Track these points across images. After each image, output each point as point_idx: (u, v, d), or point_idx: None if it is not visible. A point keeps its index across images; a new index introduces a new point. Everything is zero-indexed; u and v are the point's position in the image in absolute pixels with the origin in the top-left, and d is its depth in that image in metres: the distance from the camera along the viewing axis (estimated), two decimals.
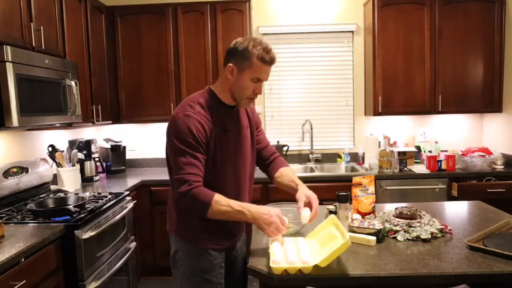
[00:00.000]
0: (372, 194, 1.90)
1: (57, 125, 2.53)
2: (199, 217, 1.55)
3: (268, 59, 1.52)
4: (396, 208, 1.86)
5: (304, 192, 1.66)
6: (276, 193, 3.15)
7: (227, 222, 1.61)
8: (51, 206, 2.29)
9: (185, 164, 1.48)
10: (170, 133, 1.54)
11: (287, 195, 1.83)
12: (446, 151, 3.62)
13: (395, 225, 1.74)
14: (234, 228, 1.71)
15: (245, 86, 1.55)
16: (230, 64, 1.55)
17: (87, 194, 2.57)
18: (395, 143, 3.75)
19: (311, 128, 3.86)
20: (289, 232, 1.74)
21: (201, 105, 1.56)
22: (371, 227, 1.64)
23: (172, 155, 1.53)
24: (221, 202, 1.48)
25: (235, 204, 1.49)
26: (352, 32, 3.84)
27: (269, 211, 1.49)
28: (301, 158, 3.92)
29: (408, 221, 1.75)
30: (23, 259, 1.64)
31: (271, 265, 1.35)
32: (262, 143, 1.85)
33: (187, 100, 1.60)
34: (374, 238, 1.60)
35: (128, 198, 2.72)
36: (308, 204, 1.63)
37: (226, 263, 1.71)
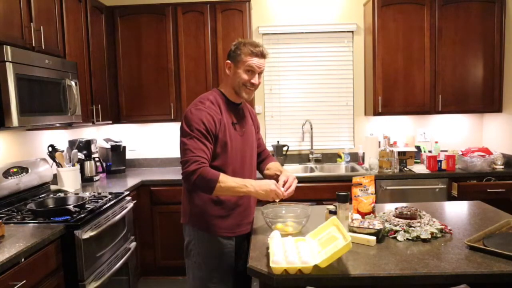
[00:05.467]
0: (372, 194, 1.90)
1: (57, 125, 2.53)
2: (212, 203, 1.77)
3: (256, 51, 1.77)
4: (396, 208, 1.86)
5: (284, 174, 1.89)
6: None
7: (238, 210, 1.82)
8: (51, 206, 2.29)
9: (195, 148, 1.66)
10: (182, 125, 1.74)
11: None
12: (446, 151, 3.62)
13: (395, 225, 1.74)
14: (244, 217, 1.86)
15: (239, 76, 1.79)
16: (228, 61, 1.83)
17: (87, 194, 2.57)
18: (395, 143, 3.75)
19: (311, 128, 3.86)
20: (290, 231, 1.74)
21: (211, 101, 1.78)
22: (371, 227, 1.64)
23: (182, 141, 1.70)
24: (226, 178, 1.67)
25: (239, 180, 1.70)
26: (352, 32, 3.84)
27: (267, 182, 1.71)
28: (301, 158, 3.92)
29: (408, 221, 1.75)
30: (23, 259, 1.64)
31: (271, 265, 1.35)
32: (261, 147, 2.13)
33: (198, 99, 1.81)
34: (374, 238, 1.60)
35: (128, 198, 2.72)
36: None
37: (236, 254, 1.85)
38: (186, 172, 1.64)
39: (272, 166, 2.04)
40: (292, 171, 3.73)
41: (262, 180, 1.75)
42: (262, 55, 1.78)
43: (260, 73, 1.82)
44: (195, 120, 1.69)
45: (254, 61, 1.77)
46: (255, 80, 1.80)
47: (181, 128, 1.74)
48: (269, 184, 1.69)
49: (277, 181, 1.79)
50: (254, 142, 1.96)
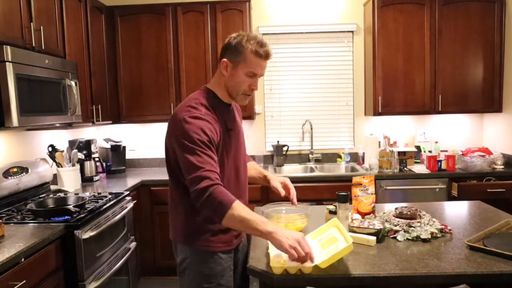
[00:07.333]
0: (372, 194, 1.90)
1: (57, 125, 2.53)
2: (209, 220, 1.54)
3: (262, 53, 1.51)
4: (396, 208, 1.86)
5: (277, 180, 1.80)
6: (275, 193, 3.14)
7: None
8: (51, 206, 2.29)
9: (202, 162, 1.42)
10: (178, 136, 1.48)
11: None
12: (446, 151, 3.62)
13: (395, 225, 1.74)
14: None
15: (240, 81, 1.54)
16: (225, 60, 1.55)
17: (87, 194, 2.57)
18: (395, 143, 3.75)
19: (311, 128, 3.86)
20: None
21: (205, 106, 1.53)
22: (371, 227, 1.64)
23: (184, 157, 1.45)
24: (241, 207, 1.39)
25: (256, 215, 1.41)
26: (352, 32, 3.84)
27: (296, 232, 1.37)
28: (301, 158, 3.92)
29: (408, 221, 1.75)
30: (23, 259, 1.64)
31: (271, 265, 1.35)
32: None
33: (188, 101, 1.55)
34: (374, 238, 1.60)
35: (128, 198, 2.72)
36: (285, 188, 1.80)
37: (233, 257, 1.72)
38: (197, 190, 1.39)
39: (252, 166, 1.89)
40: (292, 171, 3.75)
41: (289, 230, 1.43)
42: (267, 57, 1.53)
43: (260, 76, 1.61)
44: (195, 131, 1.44)
45: (261, 66, 1.53)
46: (256, 85, 1.58)
47: (179, 142, 1.47)
48: (298, 235, 1.36)
49: (271, 187, 1.77)
50: (244, 143, 1.78)
